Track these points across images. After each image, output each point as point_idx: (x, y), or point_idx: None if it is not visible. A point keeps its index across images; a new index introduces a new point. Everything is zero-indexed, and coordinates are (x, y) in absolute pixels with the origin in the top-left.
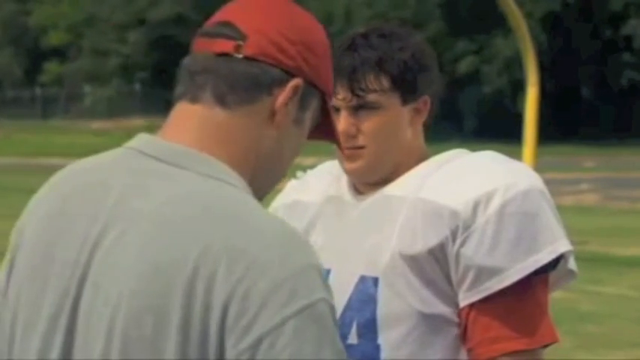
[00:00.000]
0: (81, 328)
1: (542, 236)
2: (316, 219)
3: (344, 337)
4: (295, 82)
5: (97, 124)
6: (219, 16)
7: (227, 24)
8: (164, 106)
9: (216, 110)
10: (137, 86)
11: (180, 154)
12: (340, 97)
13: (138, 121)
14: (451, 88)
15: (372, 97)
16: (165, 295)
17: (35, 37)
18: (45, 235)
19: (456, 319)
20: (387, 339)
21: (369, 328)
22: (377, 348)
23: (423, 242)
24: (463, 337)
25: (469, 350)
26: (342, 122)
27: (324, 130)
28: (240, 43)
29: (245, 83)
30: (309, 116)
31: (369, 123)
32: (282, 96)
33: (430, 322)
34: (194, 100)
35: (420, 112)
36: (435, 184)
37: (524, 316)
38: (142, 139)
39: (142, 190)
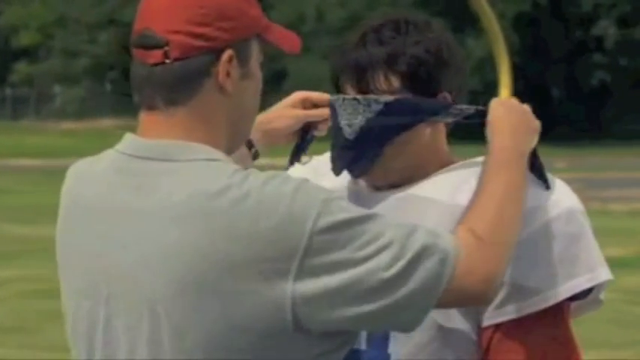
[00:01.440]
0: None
1: (583, 260)
2: None
3: (351, 344)
4: (226, 55)
5: (67, 125)
6: (139, 22)
7: (148, 33)
8: (134, 107)
9: (171, 110)
10: (108, 87)
11: (167, 147)
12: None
13: (108, 122)
14: None
15: None
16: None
17: (5, 38)
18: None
19: (474, 338)
20: (398, 349)
21: (380, 336)
22: (387, 357)
23: None
24: (483, 358)
25: None
26: None
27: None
28: (166, 49)
29: (185, 81)
30: (254, 62)
31: None
32: (221, 72)
33: (447, 336)
34: (150, 108)
35: None
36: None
37: (555, 342)
38: (127, 142)
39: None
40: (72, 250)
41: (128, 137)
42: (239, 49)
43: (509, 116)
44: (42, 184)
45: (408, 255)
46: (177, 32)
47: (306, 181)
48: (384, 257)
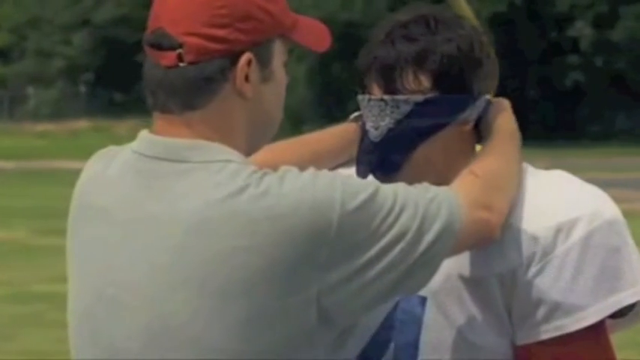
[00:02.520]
0: None
1: (626, 274)
2: None
3: (376, 358)
4: (243, 59)
5: (41, 126)
6: (154, 21)
7: (163, 33)
8: (109, 107)
9: (187, 114)
10: (82, 88)
11: (181, 148)
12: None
13: (83, 123)
14: None
15: None
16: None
17: None
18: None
19: (509, 356)
20: None
21: (409, 353)
22: None
23: (491, 265)
24: None
25: None
26: None
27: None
28: (180, 51)
29: (200, 86)
30: (277, 63)
31: None
32: (239, 77)
33: (480, 355)
34: (164, 111)
35: None
36: (512, 203)
37: None
38: (144, 141)
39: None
40: (81, 260)
41: (143, 135)
42: (259, 51)
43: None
44: (15, 186)
45: (421, 211)
46: (192, 34)
47: (316, 169)
48: (403, 220)
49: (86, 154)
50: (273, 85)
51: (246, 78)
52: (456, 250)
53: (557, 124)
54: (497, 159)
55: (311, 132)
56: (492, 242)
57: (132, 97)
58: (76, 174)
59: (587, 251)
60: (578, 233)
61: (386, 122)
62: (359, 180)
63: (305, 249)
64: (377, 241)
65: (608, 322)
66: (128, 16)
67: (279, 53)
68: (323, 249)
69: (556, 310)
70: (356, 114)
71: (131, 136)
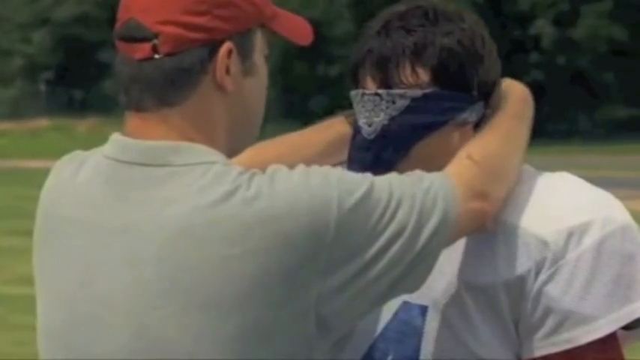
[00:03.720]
0: None
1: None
2: None
3: None
4: (223, 49)
5: (0, 126)
6: (123, 11)
7: (135, 23)
8: (69, 106)
9: (164, 112)
10: (41, 86)
11: (160, 150)
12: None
13: (42, 122)
14: None
15: None
16: None
17: None
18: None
19: None
20: None
21: None
22: None
23: (498, 272)
24: None
25: None
26: None
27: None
28: (155, 42)
29: (177, 78)
30: (258, 56)
31: None
32: (219, 68)
33: None
34: (139, 109)
35: None
36: (520, 206)
37: None
38: (117, 145)
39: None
40: (51, 275)
41: (116, 139)
42: (240, 42)
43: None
44: None
45: (418, 204)
46: (167, 23)
47: (307, 166)
48: (400, 216)
49: (46, 153)
50: (256, 79)
51: (227, 70)
52: (450, 242)
53: None
54: (500, 140)
55: (273, 131)
56: (484, 229)
57: (92, 96)
58: (36, 173)
59: (600, 258)
60: (590, 238)
61: (380, 118)
62: (353, 175)
63: (302, 253)
64: (375, 240)
65: (619, 333)
66: (88, 14)
67: (260, 45)
68: (321, 252)
69: (566, 320)
70: (346, 112)
71: (91, 135)
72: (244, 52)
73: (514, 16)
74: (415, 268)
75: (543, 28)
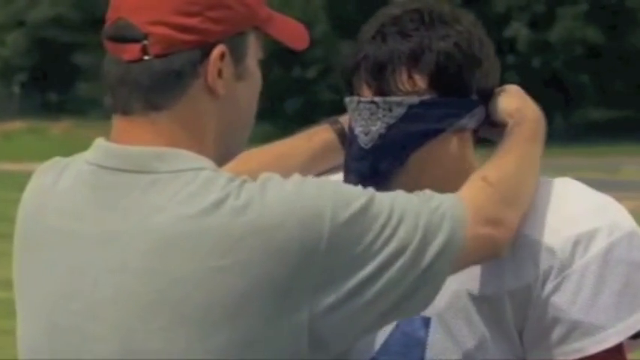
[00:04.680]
0: None
1: None
2: None
3: None
4: (216, 52)
5: None
6: (112, 12)
7: (124, 23)
8: (43, 108)
9: (152, 116)
10: (16, 88)
11: (146, 157)
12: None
13: (17, 124)
14: (339, 90)
15: None
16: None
17: None
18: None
19: None
20: None
21: None
22: None
23: (503, 281)
24: None
25: None
26: None
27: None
28: (145, 43)
29: (167, 81)
30: (252, 60)
31: None
32: (211, 71)
33: None
34: (126, 112)
35: None
36: (526, 213)
37: None
38: (100, 151)
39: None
40: (30, 288)
41: (99, 144)
42: (233, 45)
43: (524, 95)
44: None
45: (423, 222)
46: (158, 23)
47: (302, 176)
48: (401, 234)
49: (21, 155)
50: (248, 83)
51: (219, 74)
52: (457, 268)
53: None
54: (516, 163)
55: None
56: (498, 258)
57: (67, 98)
58: (10, 176)
59: (607, 266)
60: (597, 246)
61: (377, 127)
62: (351, 187)
63: (294, 266)
64: (373, 258)
65: (626, 342)
66: (63, 16)
67: (253, 48)
68: (313, 267)
69: (573, 330)
70: (331, 119)
71: (66, 137)
72: (237, 55)
73: (490, 18)
74: (419, 289)
75: (519, 30)
